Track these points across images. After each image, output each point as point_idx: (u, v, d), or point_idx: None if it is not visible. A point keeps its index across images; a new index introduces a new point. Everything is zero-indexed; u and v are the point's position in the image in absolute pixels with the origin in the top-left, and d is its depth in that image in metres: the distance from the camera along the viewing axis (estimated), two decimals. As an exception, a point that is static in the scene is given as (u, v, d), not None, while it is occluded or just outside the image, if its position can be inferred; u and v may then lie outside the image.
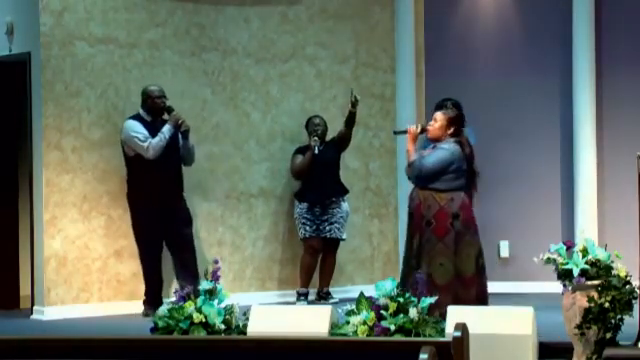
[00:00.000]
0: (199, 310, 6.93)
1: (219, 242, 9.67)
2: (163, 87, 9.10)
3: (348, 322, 6.79)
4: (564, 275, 6.44)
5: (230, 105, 9.78)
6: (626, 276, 6.39)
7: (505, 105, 10.45)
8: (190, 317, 6.92)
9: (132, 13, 9.35)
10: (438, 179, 7.77)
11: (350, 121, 9.55)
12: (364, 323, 6.73)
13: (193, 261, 8.96)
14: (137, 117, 8.94)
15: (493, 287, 10.13)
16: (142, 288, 9.05)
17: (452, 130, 7.88)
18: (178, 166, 9.03)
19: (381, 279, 7.18)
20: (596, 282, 6.36)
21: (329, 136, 9.74)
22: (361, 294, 7.01)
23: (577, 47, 10.24)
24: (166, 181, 8.91)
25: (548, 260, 6.49)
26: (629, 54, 10.26)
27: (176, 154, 8.98)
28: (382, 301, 6.76)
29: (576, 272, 6.37)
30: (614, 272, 6.40)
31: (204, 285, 7.08)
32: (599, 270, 6.40)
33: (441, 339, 4.93)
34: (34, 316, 8.93)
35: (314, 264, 9.63)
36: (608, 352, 6.25)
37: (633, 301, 6.34)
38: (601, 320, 6.28)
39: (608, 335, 6.31)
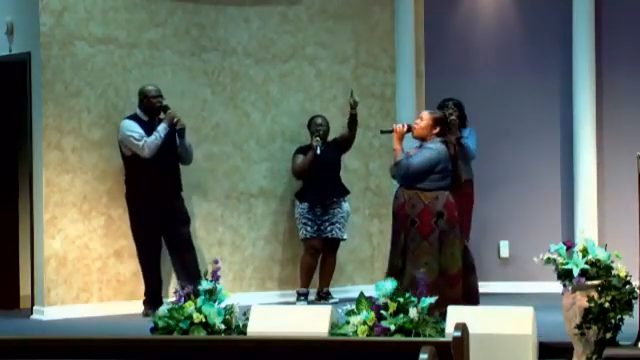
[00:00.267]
0: (199, 310, 6.94)
1: (219, 242, 9.67)
2: (163, 87, 9.10)
3: (348, 322, 6.79)
4: (564, 275, 6.44)
5: (230, 105, 9.78)
6: (626, 276, 6.39)
7: (505, 105, 10.45)
8: (190, 317, 6.92)
9: (132, 13, 9.35)
10: (424, 179, 7.79)
11: (352, 123, 9.54)
12: (364, 323, 6.73)
13: (193, 261, 8.96)
14: (134, 117, 8.95)
15: (493, 287, 10.20)
16: (142, 288, 9.05)
17: (438, 130, 7.91)
18: (175, 165, 9.03)
19: (381, 279, 7.17)
20: (596, 282, 6.36)
21: (331, 136, 9.74)
22: (361, 294, 7.01)
23: (577, 47, 10.24)
24: (163, 180, 8.91)
25: (548, 260, 6.49)
26: (629, 54, 10.26)
27: (173, 153, 8.99)
28: (382, 301, 6.76)
29: (576, 272, 6.37)
30: (614, 272, 6.40)
31: (204, 285, 7.08)
32: (599, 270, 6.40)
33: (441, 339, 4.93)
34: (34, 316, 8.93)
35: (314, 264, 9.63)
36: (608, 352, 6.25)
37: (633, 301, 6.35)
38: (601, 320, 6.28)
39: (608, 335, 6.31)
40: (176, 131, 8.94)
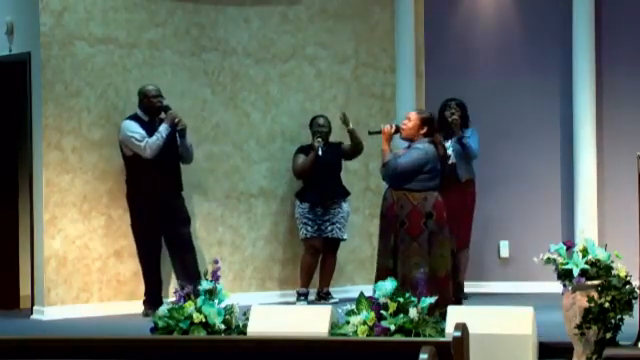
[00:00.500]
0: (199, 310, 6.94)
1: (219, 242, 9.67)
2: (163, 87, 9.10)
3: (348, 322, 6.80)
4: (564, 275, 6.44)
5: (230, 105, 9.78)
6: (626, 276, 6.39)
7: (505, 105, 10.44)
8: (190, 317, 6.92)
9: (132, 13, 9.35)
10: (413, 179, 7.80)
11: (352, 139, 9.53)
12: (364, 323, 6.73)
13: (193, 261, 8.96)
14: (135, 117, 8.95)
15: (493, 287, 10.21)
16: (142, 288, 9.05)
17: (425, 130, 7.91)
18: (176, 165, 9.03)
19: (381, 279, 7.17)
20: (596, 282, 6.36)
21: (331, 137, 9.74)
22: (361, 294, 7.01)
23: (577, 47, 10.23)
24: (165, 180, 8.91)
25: (548, 260, 6.49)
26: (629, 54, 10.25)
27: (174, 153, 8.99)
28: (382, 301, 6.76)
29: (576, 272, 6.37)
30: (614, 272, 6.40)
31: (204, 285, 7.08)
32: (599, 270, 6.40)
33: (441, 339, 4.93)
34: (34, 316, 8.93)
35: (315, 264, 9.63)
36: (608, 352, 6.25)
37: (633, 301, 6.35)
38: (601, 320, 6.28)
39: (608, 335, 6.31)
40: (177, 131, 8.94)
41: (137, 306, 8.99)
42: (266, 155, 9.91)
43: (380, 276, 7.52)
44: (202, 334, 6.79)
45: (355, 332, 6.70)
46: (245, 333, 6.82)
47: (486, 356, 6.07)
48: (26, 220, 9.31)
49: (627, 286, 6.35)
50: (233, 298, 7.23)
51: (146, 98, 8.97)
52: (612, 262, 6.45)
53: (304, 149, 9.69)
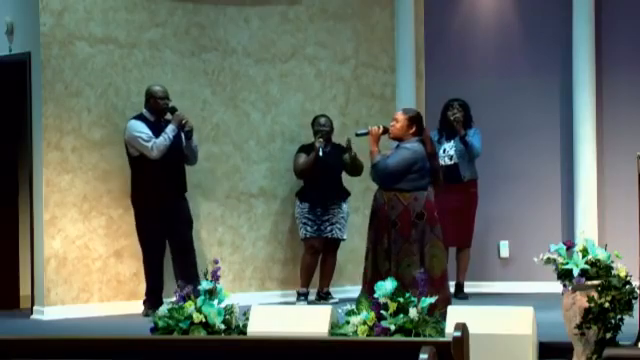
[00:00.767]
0: (199, 310, 6.94)
1: (219, 242, 9.67)
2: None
3: (348, 322, 6.79)
4: (564, 275, 6.44)
5: (230, 105, 9.78)
6: (626, 276, 6.39)
7: (505, 105, 10.44)
8: (190, 317, 6.92)
9: (132, 13, 9.35)
10: (402, 179, 7.80)
11: (354, 164, 9.52)
12: (364, 323, 6.73)
13: (193, 261, 8.96)
14: (140, 117, 8.94)
15: (493, 287, 10.20)
16: (142, 288, 9.05)
17: (414, 129, 7.91)
18: (181, 166, 9.04)
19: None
20: (596, 282, 6.35)
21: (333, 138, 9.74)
22: (361, 294, 7.01)
23: (577, 47, 10.23)
24: (169, 181, 8.91)
25: (548, 260, 6.49)
26: (629, 54, 10.25)
27: (179, 154, 8.98)
28: (382, 300, 6.76)
29: (576, 272, 6.37)
30: (614, 272, 6.40)
31: (204, 285, 7.08)
32: (599, 270, 6.40)
33: (441, 339, 4.92)
34: (34, 316, 8.93)
35: (315, 264, 9.63)
36: (608, 352, 6.25)
37: (633, 301, 6.34)
38: (601, 320, 6.28)
39: (608, 335, 6.31)
40: (184, 133, 8.94)
41: (137, 306, 8.99)
42: (266, 155, 9.91)
43: (375, 279, 7.40)
44: (202, 334, 6.79)
45: (355, 332, 6.70)
46: (245, 333, 6.82)
47: (486, 356, 6.07)
48: (26, 220, 9.31)
49: (627, 286, 6.35)
50: (233, 298, 7.22)
51: (153, 99, 8.96)
52: (612, 262, 6.45)
53: (305, 148, 9.68)
